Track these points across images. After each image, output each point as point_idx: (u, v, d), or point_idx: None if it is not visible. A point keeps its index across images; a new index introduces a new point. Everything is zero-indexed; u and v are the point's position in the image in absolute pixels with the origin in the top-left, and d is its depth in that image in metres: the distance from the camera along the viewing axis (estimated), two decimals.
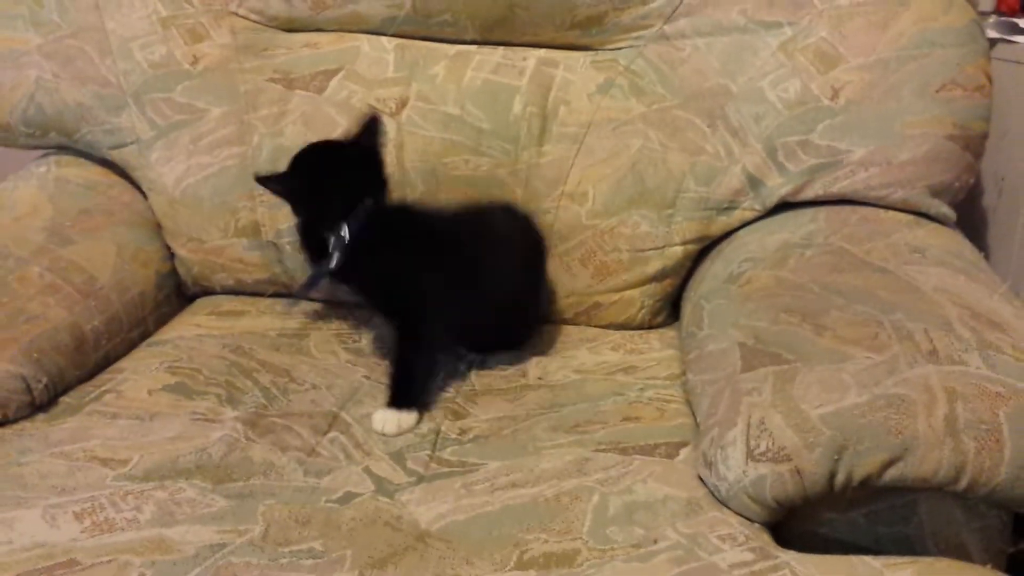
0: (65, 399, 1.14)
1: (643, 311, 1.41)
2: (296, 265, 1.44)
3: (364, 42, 1.48)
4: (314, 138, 1.33)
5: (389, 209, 1.28)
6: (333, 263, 1.22)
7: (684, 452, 1.04)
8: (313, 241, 1.27)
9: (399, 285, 1.22)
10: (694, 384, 1.13)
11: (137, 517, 0.92)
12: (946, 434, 0.87)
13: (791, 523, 0.95)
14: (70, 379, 1.17)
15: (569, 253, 1.40)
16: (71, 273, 1.26)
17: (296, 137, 1.42)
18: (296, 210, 1.28)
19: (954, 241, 1.25)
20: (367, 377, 1.24)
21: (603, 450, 1.05)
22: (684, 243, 1.38)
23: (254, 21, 1.49)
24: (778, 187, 1.34)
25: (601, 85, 1.42)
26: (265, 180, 1.26)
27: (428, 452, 1.07)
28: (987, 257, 1.25)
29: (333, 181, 1.24)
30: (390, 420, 1.12)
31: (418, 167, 1.43)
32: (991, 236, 1.50)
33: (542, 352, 1.34)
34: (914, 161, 1.28)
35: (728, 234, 1.38)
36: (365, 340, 1.36)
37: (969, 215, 1.47)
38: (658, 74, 1.41)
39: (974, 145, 1.31)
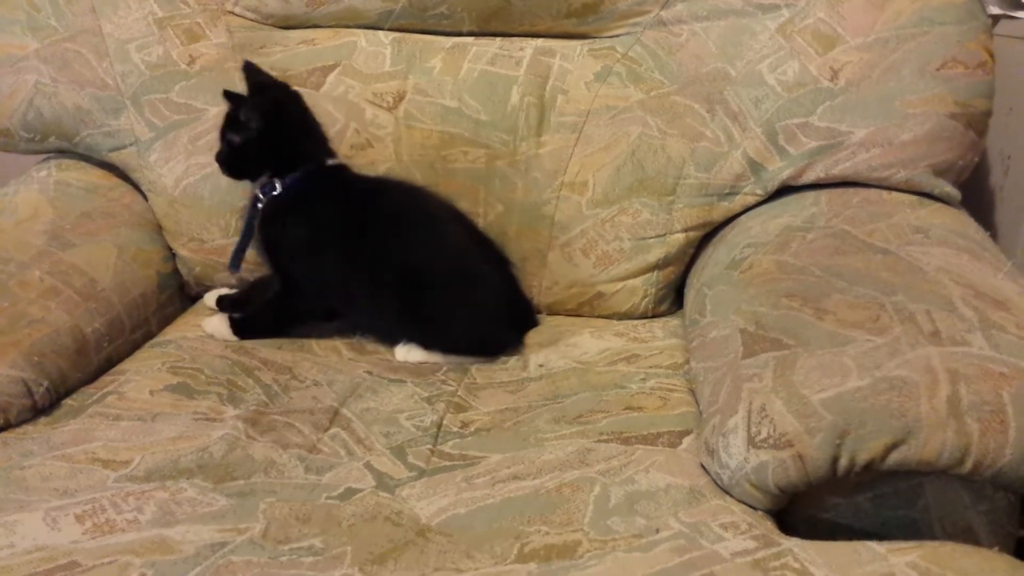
0: (67, 401, 1.14)
1: (646, 300, 1.40)
2: None
3: (360, 37, 1.47)
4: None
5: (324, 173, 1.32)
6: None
7: (687, 441, 1.04)
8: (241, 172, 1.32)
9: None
10: (697, 372, 1.12)
11: (138, 518, 0.92)
12: (949, 416, 0.86)
13: (796, 509, 0.94)
14: (72, 382, 1.17)
15: (570, 243, 1.40)
16: (72, 276, 1.26)
17: None
18: (248, 145, 1.28)
19: (958, 221, 1.23)
20: (369, 372, 1.24)
21: (605, 440, 1.04)
22: (686, 230, 1.37)
23: (250, 19, 1.49)
24: (779, 171, 1.33)
25: (599, 73, 1.41)
26: (242, 103, 1.28)
27: (430, 446, 1.07)
28: (994, 236, 1.22)
29: (302, 132, 1.32)
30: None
31: (416, 160, 1.43)
32: (998, 214, 1.48)
33: (544, 343, 1.33)
34: (916, 141, 1.27)
35: (730, 220, 1.37)
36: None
37: (975, 194, 1.45)
38: (656, 60, 1.40)
39: (977, 123, 1.29)
